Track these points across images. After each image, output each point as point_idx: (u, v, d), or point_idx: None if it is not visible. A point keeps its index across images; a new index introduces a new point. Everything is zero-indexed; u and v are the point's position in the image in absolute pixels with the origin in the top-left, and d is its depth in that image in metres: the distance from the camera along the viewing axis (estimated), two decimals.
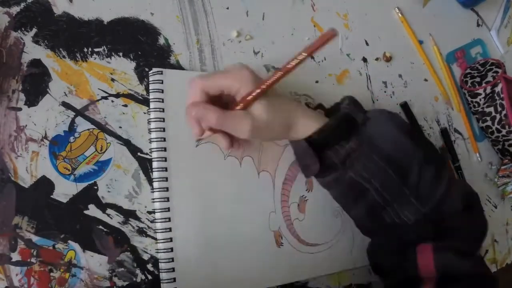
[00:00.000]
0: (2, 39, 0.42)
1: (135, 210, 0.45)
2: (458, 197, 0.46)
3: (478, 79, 0.69)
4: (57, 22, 0.44)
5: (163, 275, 0.44)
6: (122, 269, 0.44)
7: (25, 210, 0.41)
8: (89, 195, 0.44)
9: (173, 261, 0.45)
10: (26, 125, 0.42)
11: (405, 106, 0.64)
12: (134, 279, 0.45)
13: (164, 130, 0.46)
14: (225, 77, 0.42)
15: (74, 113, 0.44)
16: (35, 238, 0.41)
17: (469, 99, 0.70)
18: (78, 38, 0.45)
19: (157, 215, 0.45)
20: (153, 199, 0.45)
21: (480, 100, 0.68)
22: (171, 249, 0.45)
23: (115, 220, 0.45)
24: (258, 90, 0.41)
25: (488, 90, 0.67)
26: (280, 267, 0.51)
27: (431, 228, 0.45)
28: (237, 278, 0.48)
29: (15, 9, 0.43)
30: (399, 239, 0.46)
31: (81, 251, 0.43)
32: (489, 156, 0.72)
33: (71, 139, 0.44)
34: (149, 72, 0.47)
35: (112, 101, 0.46)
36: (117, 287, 0.44)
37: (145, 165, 0.46)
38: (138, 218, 0.45)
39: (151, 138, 0.46)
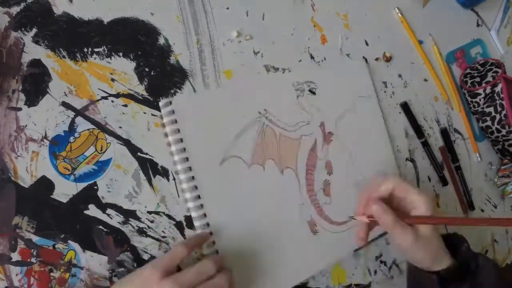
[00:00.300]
0: (2, 39, 0.42)
1: (135, 210, 0.45)
2: None
3: (478, 79, 0.69)
4: (57, 22, 0.44)
5: None
6: (122, 269, 0.44)
7: (25, 210, 0.41)
8: (89, 195, 0.44)
9: None
10: (26, 125, 0.42)
11: (405, 106, 0.64)
12: None
13: (187, 160, 0.47)
14: (417, 194, 0.46)
15: (74, 113, 0.44)
16: (35, 238, 0.41)
17: (469, 99, 0.70)
18: (78, 38, 0.45)
19: (196, 223, 0.47)
20: (192, 217, 0.47)
21: (480, 100, 0.68)
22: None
23: (115, 220, 0.45)
24: (433, 221, 0.45)
25: (488, 90, 0.67)
26: (320, 252, 0.54)
27: None
28: (282, 273, 0.51)
29: (15, 9, 0.43)
30: None
31: (81, 251, 0.43)
32: (489, 156, 0.72)
33: (71, 139, 0.44)
34: (160, 104, 0.48)
35: (112, 101, 0.46)
36: None
37: (145, 165, 0.46)
38: (138, 218, 0.46)
39: (177, 171, 0.47)
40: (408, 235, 0.45)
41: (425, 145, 0.65)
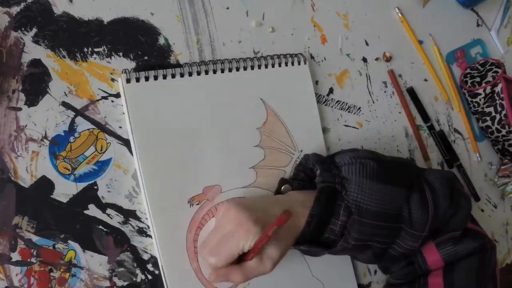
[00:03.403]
0: (2, 39, 0.42)
1: (135, 210, 0.46)
2: (444, 196, 0.48)
3: (478, 79, 0.69)
4: (57, 22, 0.44)
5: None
6: (122, 269, 0.44)
7: (25, 210, 0.41)
8: (89, 195, 0.44)
9: None
10: (26, 125, 0.42)
11: (411, 91, 0.65)
12: (134, 279, 0.45)
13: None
14: (231, 247, 0.42)
15: (74, 113, 0.44)
16: (35, 238, 0.41)
17: (469, 99, 0.70)
18: (78, 38, 0.45)
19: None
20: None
21: (480, 100, 0.68)
22: None
23: (115, 220, 0.45)
24: (261, 244, 0.42)
25: (488, 90, 0.67)
26: None
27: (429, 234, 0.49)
28: None
29: (15, 9, 0.43)
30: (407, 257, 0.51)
31: (81, 251, 0.43)
32: (489, 156, 0.72)
33: (71, 139, 0.44)
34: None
35: (112, 101, 0.46)
36: (117, 287, 0.44)
37: None
38: (138, 218, 0.46)
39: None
40: (264, 265, 0.43)
41: (431, 128, 0.66)
